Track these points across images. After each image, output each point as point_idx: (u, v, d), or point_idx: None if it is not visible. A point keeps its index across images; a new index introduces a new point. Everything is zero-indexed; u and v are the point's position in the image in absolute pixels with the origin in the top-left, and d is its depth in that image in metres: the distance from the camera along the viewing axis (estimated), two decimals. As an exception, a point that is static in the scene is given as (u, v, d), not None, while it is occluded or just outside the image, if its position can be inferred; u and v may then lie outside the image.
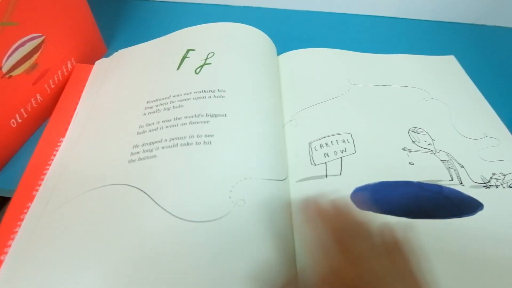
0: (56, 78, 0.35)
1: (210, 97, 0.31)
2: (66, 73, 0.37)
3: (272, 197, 0.26)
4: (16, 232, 0.26)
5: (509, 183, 0.29)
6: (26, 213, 0.27)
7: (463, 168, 0.30)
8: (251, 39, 0.37)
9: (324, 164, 0.30)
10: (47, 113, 0.35)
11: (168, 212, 0.24)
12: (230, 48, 0.35)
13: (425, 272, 0.23)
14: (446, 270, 0.24)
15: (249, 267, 0.22)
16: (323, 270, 0.23)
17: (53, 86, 0.35)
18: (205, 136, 0.28)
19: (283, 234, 0.25)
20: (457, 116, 0.34)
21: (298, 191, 0.28)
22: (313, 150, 0.30)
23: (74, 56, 0.37)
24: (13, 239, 0.25)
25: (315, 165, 0.29)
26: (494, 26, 0.48)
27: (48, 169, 0.30)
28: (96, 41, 0.41)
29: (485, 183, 0.29)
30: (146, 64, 0.36)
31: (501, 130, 0.33)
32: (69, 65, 0.37)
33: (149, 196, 0.25)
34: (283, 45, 0.40)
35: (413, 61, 0.40)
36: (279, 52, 0.40)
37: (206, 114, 0.29)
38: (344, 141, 0.31)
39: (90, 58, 0.39)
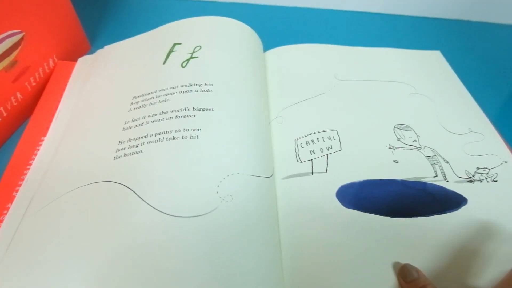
0: (37, 76, 0.35)
1: (197, 91, 0.30)
2: (47, 71, 0.36)
3: (258, 193, 0.26)
4: (-4, 234, 0.25)
5: (493, 177, 0.30)
6: (6, 214, 0.26)
7: (447, 164, 0.30)
8: (238, 34, 0.36)
9: (310, 161, 0.29)
10: (28, 111, 0.34)
11: (154, 208, 0.24)
12: (217, 42, 0.35)
13: None
14: (431, 266, 0.24)
15: (236, 263, 0.22)
16: (309, 271, 0.23)
17: (34, 84, 0.34)
18: (192, 130, 0.27)
19: (270, 231, 0.25)
20: (442, 111, 0.34)
21: (284, 188, 0.28)
22: (299, 147, 0.30)
23: (56, 53, 0.37)
24: (-8, 241, 0.25)
25: (301, 162, 0.29)
26: (480, 22, 0.48)
27: (29, 169, 0.29)
28: (79, 38, 0.40)
29: (469, 177, 0.29)
30: (132, 59, 0.35)
31: (485, 125, 0.34)
32: (50, 62, 0.36)
33: (134, 192, 0.25)
34: (269, 41, 0.40)
35: (399, 55, 0.40)
36: (266, 49, 0.39)
37: (193, 108, 0.29)
38: (330, 138, 0.31)
39: (73, 55, 0.39)
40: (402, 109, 0.34)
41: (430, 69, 0.39)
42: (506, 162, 0.31)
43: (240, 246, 0.23)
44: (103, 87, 0.34)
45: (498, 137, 0.33)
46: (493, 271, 0.24)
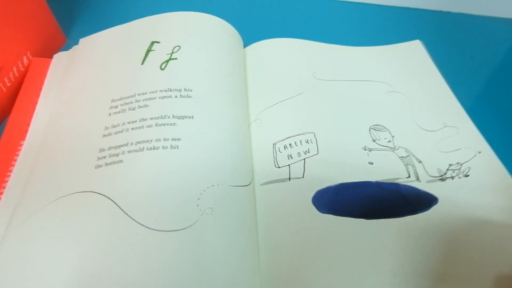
0: (11, 76, 0.34)
1: (177, 96, 0.30)
2: (22, 69, 0.35)
3: (237, 203, 0.26)
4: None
5: (465, 172, 0.30)
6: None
7: (420, 163, 0.31)
8: (218, 32, 0.36)
9: (288, 166, 0.30)
10: (5, 114, 0.33)
11: (136, 221, 0.24)
12: (197, 42, 0.34)
13: None
14: (406, 266, 0.25)
15: (216, 278, 0.23)
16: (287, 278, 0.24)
17: (9, 85, 0.34)
18: (172, 139, 0.27)
19: (249, 243, 0.25)
20: (418, 108, 0.35)
21: (263, 195, 0.28)
22: (277, 151, 0.31)
23: (30, 50, 0.36)
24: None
25: (279, 167, 0.30)
26: (460, 13, 0.48)
27: (9, 176, 0.29)
28: (53, 31, 0.39)
29: (441, 176, 0.30)
30: (109, 57, 0.34)
31: (460, 116, 0.34)
32: (25, 60, 0.35)
33: (116, 203, 0.25)
34: (249, 34, 0.39)
35: (378, 53, 0.40)
36: (246, 42, 0.39)
37: (173, 116, 0.29)
38: (307, 142, 0.31)
39: (48, 50, 0.38)
40: (379, 109, 0.34)
41: (409, 62, 0.39)
42: (480, 152, 0.31)
43: (219, 259, 0.23)
44: (80, 88, 0.33)
45: (473, 127, 0.33)
46: (467, 269, 0.25)
